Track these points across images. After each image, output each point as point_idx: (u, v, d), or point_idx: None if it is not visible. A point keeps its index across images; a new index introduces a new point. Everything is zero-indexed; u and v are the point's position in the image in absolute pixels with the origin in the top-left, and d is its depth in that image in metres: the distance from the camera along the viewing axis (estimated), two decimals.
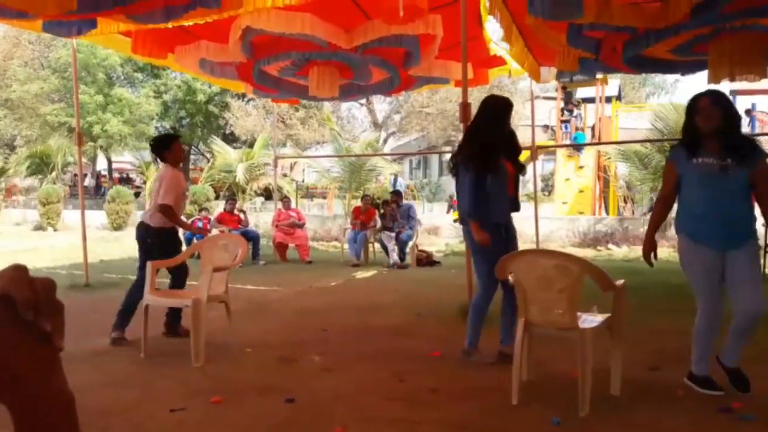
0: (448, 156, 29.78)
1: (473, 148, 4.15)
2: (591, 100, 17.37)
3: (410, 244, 10.46)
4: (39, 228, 18.60)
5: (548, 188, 22.70)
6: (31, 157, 23.19)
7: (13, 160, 25.19)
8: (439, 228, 16.23)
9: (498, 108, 4.27)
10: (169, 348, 4.70)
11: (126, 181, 30.83)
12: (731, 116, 3.42)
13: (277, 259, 11.00)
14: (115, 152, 29.58)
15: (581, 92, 17.82)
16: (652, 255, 3.79)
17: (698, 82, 52.18)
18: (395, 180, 22.18)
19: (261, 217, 16.09)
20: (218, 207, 14.99)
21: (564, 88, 15.35)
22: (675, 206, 3.77)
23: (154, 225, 4.96)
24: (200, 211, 13.38)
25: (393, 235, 10.40)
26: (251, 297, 7.04)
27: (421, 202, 24.73)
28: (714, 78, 6.44)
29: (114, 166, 34.89)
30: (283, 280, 8.46)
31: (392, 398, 3.52)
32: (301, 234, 11.30)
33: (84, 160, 22.87)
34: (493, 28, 6.85)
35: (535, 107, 10.27)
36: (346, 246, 11.06)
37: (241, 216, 11.24)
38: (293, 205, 13.45)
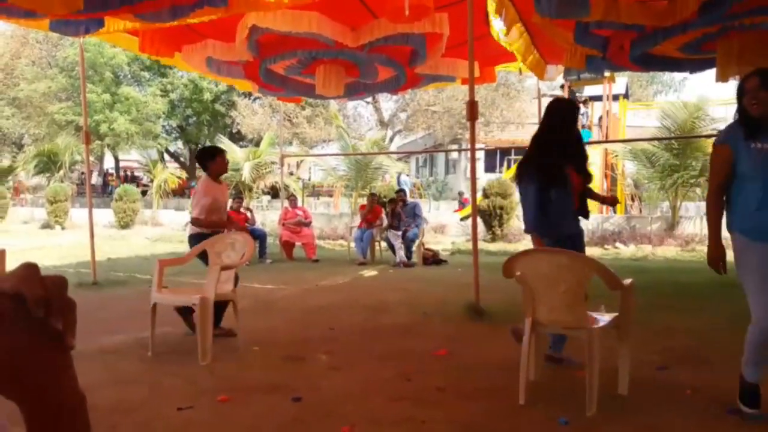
0: (454, 154, 29.91)
1: (540, 159, 3.94)
2: (598, 98, 17.31)
3: (416, 242, 10.46)
4: (47, 226, 18.70)
5: None
6: (39, 155, 23.31)
7: (21, 159, 25.34)
8: (446, 226, 16.22)
9: (565, 112, 4.04)
10: (176, 346, 4.71)
11: (132, 179, 30.90)
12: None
13: (284, 257, 11.02)
14: (122, 151, 29.68)
15: (588, 90, 17.75)
16: (721, 262, 3.18)
17: (706, 80, 51.94)
18: (399, 178, 22.16)
19: (267, 216, 16.13)
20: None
21: (569, 86, 15.28)
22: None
23: (191, 232, 5.31)
24: None
25: (399, 233, 10.40)
26: (258, 295, 7.05)
27: (427, 200, 24.73)
28: (722, 76, 6.42)
29: (121, 164, 35.02)
30: (289, 279, 8.48)
31: (399, 398, 3.52)
32: (307, 232, 11.32)
33: (91, 158, 22.96)
34: (500, 26, 6.83)
35: (542, 105, 10.24)
36: (352, 244, 11.07)
37: (248, 214, 11.26)
38: (300, 204, 13.47)
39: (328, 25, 6.59)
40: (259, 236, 10.44)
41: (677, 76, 33.97)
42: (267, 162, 18.52)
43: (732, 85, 7.58)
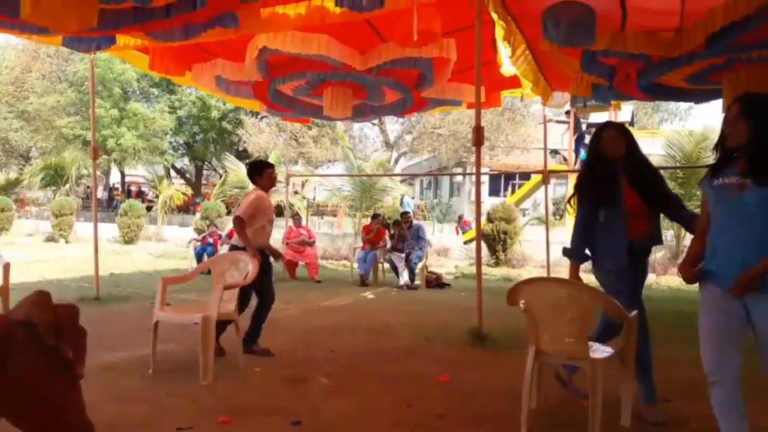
0: (458, 177, 29.93)
1: (589, 177, 3.75)
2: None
3: (420, 265, 10.44)
4: (51, 239, 18.73)
5: (559, 212, 22.64)
6: (46, 168, 23.44)
7: (28, 172, 25.46)
8: (449, 249, 16.20)
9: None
10: (177, 364, 4.69)
11: (138, 194, 31.01)
12: (763, 127, 2.61)
13: (287, 276, 11.01)
14: (128, 166, 29.81)
15: (594, 117, 17.82)
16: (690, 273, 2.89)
17: (713, 109, 52.12)
18: (402, 200, 22.20)
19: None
20: (229, 223, 15.04)
21: (574, 113, 15.37)
22: None
23: (234, 242, 5.22)
24: (209, 226, 13.44)
25: (403, 255, 10.39)
26: None
27: (431, 222, 24.73)
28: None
29: (127, 179, 35.16)
30: (291, 299, 8.45)
31: (399, 423, 3.49)
32: (310, 252, 11.31)
33: (98, 173, 23.10)
34: (506, 52, 6.89)
35: (547, 131, 10.28)
36: (355, 265, 11.06)
37: None
38: (304, 223, 13.49)
39: (337, 47, 6.65)
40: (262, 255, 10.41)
41: (683, 104, 34.07)
42: None
43: None
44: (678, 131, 15.27)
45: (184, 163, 34.22)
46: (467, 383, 4.36)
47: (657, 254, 13.53)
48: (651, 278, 11.78)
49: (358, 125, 27.59)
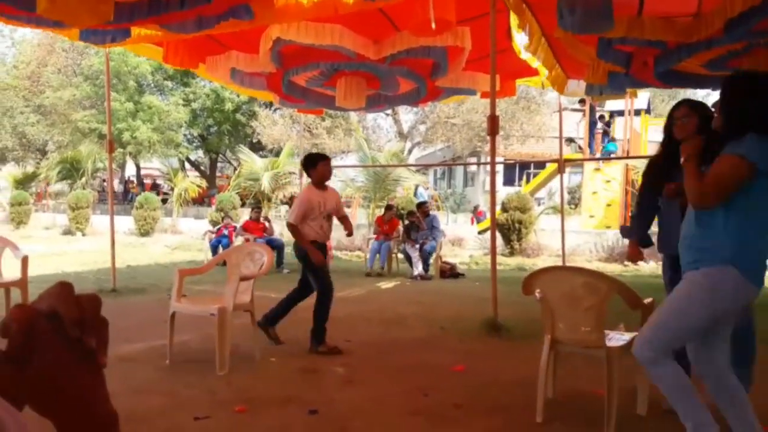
0: (473, 167, 29.84)
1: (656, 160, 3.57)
2: (620, 113, 17.23)
3: (434, 255, 10.43)
4: (68, 232, 18.91)
5: (575, 201, 22.50)
6: (62, 162, 23.64)
7: (45, 165, 25.70)
8: (464, 239, 16.16)
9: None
10: (194, 355, 4.73)
11: (153, 187, 31.22)
12: (708, 122, 2.77)
13: (300, 268, 11.01)
14: (143, 159, 29.99)
15: (610, 104, 17.67)
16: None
17: None
18: (416, 190, 22.18)
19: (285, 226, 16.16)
20: (244, 215, 15.11)
21: (590, 101, 15.25)
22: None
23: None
24: (224, 218, 13.50)
25: (417, 246, 10.38)
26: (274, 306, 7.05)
27: (445, 212, 24.69)
28: None
29: (142, 172, 35.39)
30: None
31: (415, 413, 3.50)
32: None
33: (113, 166, 23.29)
34: (522, 41, 6.83)
35: (563, 119, 10.20)
36: (368, 255, 11.05)
37: (266, 224, 11.30)
38: None
39: (350, 37, 6.63)
40: (277, 246, 10.47)
41: (699, 91, 33.66)
42: (286, 172, 18.62)
43: None
44: None
45: (198, 155, 34.36)
46: (482, 373, 4.36)
47: None
48: None
49: (372, 116, 27.54)
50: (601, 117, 17.52)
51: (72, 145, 26.62)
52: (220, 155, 33.28)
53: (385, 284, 9.48)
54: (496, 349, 5.13)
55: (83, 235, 18.46)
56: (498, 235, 13.17)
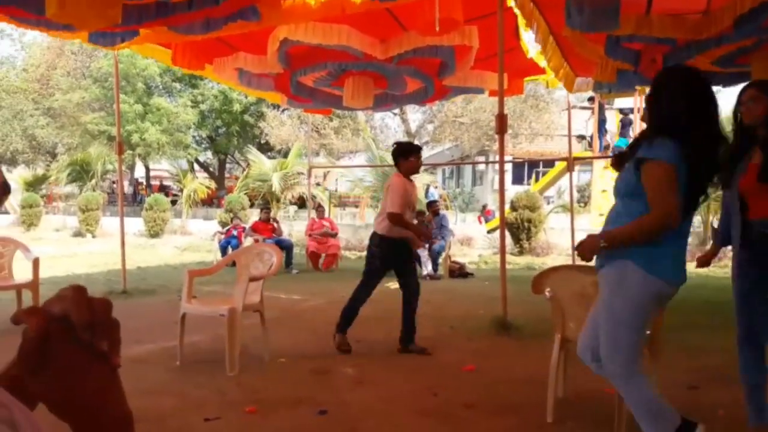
0: (481, 166, 29.79)
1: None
2: (629, 110, 17.15)
3: (443, 254, 10.42)
4: (78, 234, 19.01)
5: (584, 199, 22.41)
6: (72, 164, 23.77)
7: (55, 168, 25.85)
8: (473, 239, 16.14)
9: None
10: (204, 356, 4.74)
11: (161, 188, 31.34)
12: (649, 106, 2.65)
13: (310, 268, 11.06)
14: (152, 160, 30.12)
15: (618, 102, 17.59)
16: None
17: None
18: (428, 190, 22.16)
19: (294, 226, 16.22)
20: (253, 215, 15.14)
21: (599, 98, 15.21)
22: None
23: (379, 233, 5.00)
24: (233, 219, 13.54)
25: (426, 245, 10.37)
26: (284, 306, 7.07)
27: (454, 212, 24.65)
28: None
29: (151, 174, 35.54)
30: (316, 290, 8.49)
31: (425, 413, 3.49)
32: (333, 243, 11.35)
33: (123, 168, 23.41)
34: (530, 39, 6.81)
35: (571, 117, 10.17)
36: None
37: (275, 225, 11.33)
38: (326, 215, 13.54)
39: (357, 37, 6.64)
40: (286, 247, 10.49)
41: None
42: (295, 173, 18.65)
43: None
44: None
45: (207, 156, 34.48)
46: (493, 372, 4.35)
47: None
48: None
49: (379, 115, 27.55)
50: (622, 111, 17.49)
51: (81, 147, 26.76)
52: (229, 156, 33.38)
53: (394, 284, 9.45)
54: (506, 348, 5.12)
55: (93, 236, 18.56)
56: (507, 234, 13.15)
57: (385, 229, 4.92)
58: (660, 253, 2.46)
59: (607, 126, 17.21)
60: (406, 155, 5.02)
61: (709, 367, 4.41)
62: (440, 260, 10.36)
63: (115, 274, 8.80)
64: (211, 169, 34.02)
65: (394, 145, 5.29)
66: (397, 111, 25.46)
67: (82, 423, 0.62)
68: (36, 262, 5.79)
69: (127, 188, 31.16)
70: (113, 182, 28.79)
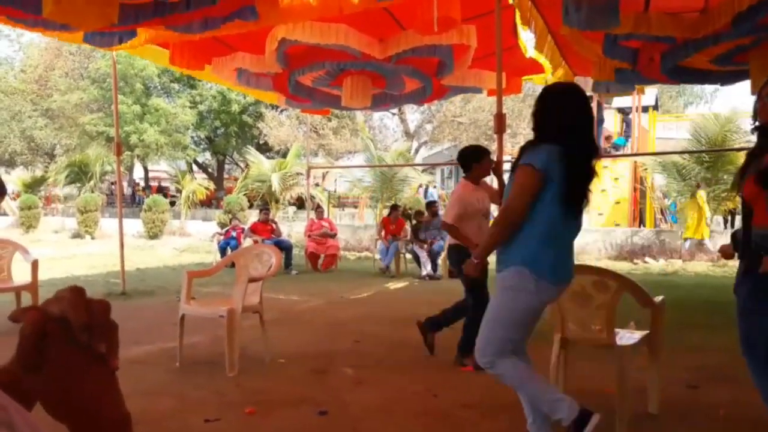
0: None
1: None
2: (627, 110, 17.17)
3: (442, 255, 10.41)
4: (77, 236, 18.99)
5: None
6: (71, 165, 23.73)
7: (53, 169, 25.82)
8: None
9: None
10: (203, 357, 4.73)
11: (159, 190, 31.31)
12: (534, 118, 2.80)
13: (309, 268, 11.05)
14: (151, 161, 30.09)
15: (617, 101, 17.60)
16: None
17: (738, 92, 51.23)
18: (426, 190, 22.16)
19: (294, 227, 16.21)
20: (252, 216, 15.13)
21: (597, 97, 15.21)
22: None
23: (450, 242, 4.80)
24: (231, 220, 13.54)
25: (425, 245, 10.37)
26: (284, 307, 7.07)
27: None
28: (755, 88, 6.30)
29: (150, 175, 35.52)
30: (315, 290, 8.49)
31: (425, 413, 3.49)
32: (333, 244, 11.34)
33: (121, 169, 23.39)
34: (528, 37, 6.80)
35: None
36: (377, 256, 11.07)
37: (274, 225, 11.32)
38: (325, 215, 13.53)
39: (355, 36, 6.63)
40: (285, 248, 10.49)
41: (708, 87, 33.50)
42: (294, 173, 18.64)
43: None
44: (703, 114, 15.03)
45: (206, 157, 34.45)
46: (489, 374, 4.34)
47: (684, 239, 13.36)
48: (678, 264, 11.64)
49: (378, 115, 27.54)
50: (621, 110, 17.52)
51: (80, 148, 26.72)
52: (228, 157, 33.35)
53: (394, 285, 9.47)
54: None
55: (92, 238, 18.54)
56: None
57: (450, 238, 4.77)
58: (545, 256, 2.64)
59: (605, 125, 17.21)
60: (480, 158, 4.69)
61: (709, 366, 4.40)
62: (440, 260, 10.35)
63: (114, 276, 8.79)
64: (209, 170, 33.99)
65: (461, 152, 4.91)
66: (395, 111, 25.47)
67: (79, 425, 0.62)
68: (35, 264, 5.78)
69: (126, 189, 31.14)
70: (112, 183, 28.78)
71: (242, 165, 29.62)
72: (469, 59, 7.26)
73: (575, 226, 2.80)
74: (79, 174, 23.48)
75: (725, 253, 3.01)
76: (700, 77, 7.46)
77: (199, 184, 22.67)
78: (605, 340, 3.17)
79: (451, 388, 3.98)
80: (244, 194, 18.33)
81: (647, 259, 12.37)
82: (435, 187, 26.11)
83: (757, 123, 2.77)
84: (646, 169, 15.26)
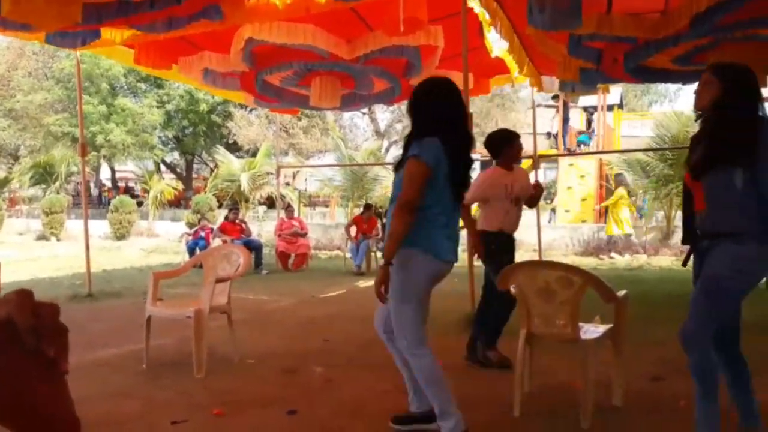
0: None
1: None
2: (593, 108, 17.43)
3: None
4: (42, 237, 18.64)
5: (550, 196, 22.69)
6: (35, 167, 23.28)
7: (17, 170, 25.29)
8: None
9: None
10: (170, 359, 4.69)
11: (126, 191, 30.85)
12: (411, 112, 3.06)
13: (280, 268, 11.01)
14: (117, 162, 29.63)
15: (583, 100, 17.86)
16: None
17: None
18: None
19: (264, 226, 16.12)
20: (221, 216, 15.00)
21: (556, 96, 15.45)
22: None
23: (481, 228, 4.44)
24: (200, 220, 13.41)
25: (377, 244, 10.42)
26: (254, 307, 7.04)
27: None
28: None
29: (117, 175, 34.99)
30: (285, 290, 8.46)
31: (395, 411, 3.50)
32: (303, 243, 11.31)
33: (87, 169, 22.94)
34: (494, 38, 6.88)
35: (536, 116, 10.29)
36: (348, 255, 11.07)
37: (243, 225, 11.24)
38: (296, 214, 13.49)
39: (323, 37, 6.63)
40: (255, 247, 10.44)
41: (672, 86, 34.10)
42: (263, 173, 18.53)
43: None
44: (666, 113, 15.31)
45: (174, 157, 34.02)
46: (460, 369, 4.39)
47: (648, 235, 13.61)
48: (642, 259, 11.85)
49: (348, 115, 27.51)
50: (586, 109, 17.78)
51: (44, 149, 26.20)
52: (196, 157, 32.99)
53: (365, 283, 9.48)
54: None
55: (58, 240, 18.21)
56: None
57: (482, 223, 4.44)
58: (434, 238, 2.88)
59: (571, 123, 17.47)
60: (511, 142, 4.44)
61: (672, 359, 4.49)
62: None
63: (80, 278, 8.65)
64: (178, 170, 33.59)
65: (488, 136, 4.63)
66: (365, 110, 25.46)
67: (26, 430, 0.61)
68: None
69: (93, 190, 30.62)
70: (78, 184, 28.27)
71: (211, 165, 29.33)
72: (437, 60, 7.31)
73: (457, 211, 3.08)
74: (44, 175, 23.05)
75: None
76: (662, 77, 7.61)
77: (167, 184, 22.43)
78: (569, 335, 3.24)
79: None
80: (213, 194, 18.18)
81: (613, 254, 12.58)
82: None
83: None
84: (611, 167, 15.51)
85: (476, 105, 22.09)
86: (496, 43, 7.07)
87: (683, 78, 7.53)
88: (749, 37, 5.96)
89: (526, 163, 17.53)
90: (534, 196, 4.71)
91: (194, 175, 33.57)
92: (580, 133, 17.75)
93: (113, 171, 33.79)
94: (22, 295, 0.61)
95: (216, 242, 10.63)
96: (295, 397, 3.74)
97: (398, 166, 2.99)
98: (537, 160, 10.04)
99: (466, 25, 5.58)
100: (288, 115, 17.69)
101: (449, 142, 2.86)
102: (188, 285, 7.61)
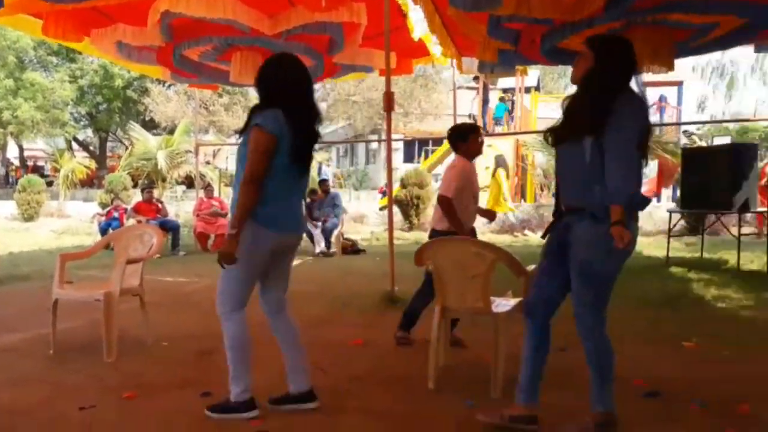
0: (374, 144, 29.99)
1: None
2: (511, 90, 17.83)
3: (335, 232, 10.45)
4: None
5: None
6: None
7: None
8: (365, 216, 16.29)
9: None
10: (80, 343, 4.52)
11: (35, 170, 29.36)
12: (256, 85, 3.08)
13: (198, 249, 10.76)
14: (26, 139, 28.15)
15: (502, 82, 18.21)
16: None
17: None
18: (320, 168, 22.08)
19: (182, 206, 15.71)
20: (136, 196, 14.50)
21: (477, 78, 15.71)
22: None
23: (432, 227, 4.41)
24: (113, 200, 12.92)
25: (319, 223, 10.37)
26: (169, 289, 6.87)
27: (347, 190, 24.73)
28: None
29: (26, 153, 33.26)
30: (203, 271, 8.27)
31: (313, 388, 3.50)
32: (223, 223, 11.08)
33: None
34: (417, 18, 6.90)
35: (457, 97, 10.44)
36: None
37: (159, 205, 10.89)
38: (216, 194, 13.20)
39: (244, 11, 6.44)
40: (171, 228, 10.16)
41: None
42: (182, 151, 18.02)
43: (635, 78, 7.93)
44: None
45: (87, 134, 32.66)
46: (380, 346, 4.43)
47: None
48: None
49: None
50: (505, 91, 18.17)
51: None
52: (111, 134, 31.75)
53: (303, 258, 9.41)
54: (394, 321, 5.17)
55: None
56: (398, 210, 13.37)
57: (438, 222, 4.37)
58: (275, 210, 2.91)
59: (490, 105, 17.82)
60: (465, 136, 4.44)
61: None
62: (333, 238, 10.38)
63: None
64: (91, 148, 32.24)
65: (449, 132, 4.65)
66: None
67: None
68: None
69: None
70: None
71: (126, 142, 28.28)
72: (359, 38, 7.28)
73: (303, 183, 3.16)
74: None
75: None
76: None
77: (78, 162, 21.50)
78: (482, 309, 3.32)
79: (340, 363, 4.02)
80: (128, 173, 17.53)
81: (527, 232, 12.97)
82: (329, 165, 26.09)
83: None
84: (527, 147, 15.94)
85: (399, 85, 22.18)
86: (418, 24, 7.09)
87: None
88: (659, 22, 6.20)
89: (447, 144, 17.85)
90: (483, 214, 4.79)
91: (108, 154, 32.31)
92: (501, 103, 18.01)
93: (21, 149, 32.10)
94: None
95: (130, 222, 10.27)
96: (210, 378, 3.67)
97: (241, 132, 3.01)
98: None
99: (389, 3, 5.57)
100: (208, 91, 17.24)
101: (293, 113, 2.90)
102: (99, 267, 7.33)
